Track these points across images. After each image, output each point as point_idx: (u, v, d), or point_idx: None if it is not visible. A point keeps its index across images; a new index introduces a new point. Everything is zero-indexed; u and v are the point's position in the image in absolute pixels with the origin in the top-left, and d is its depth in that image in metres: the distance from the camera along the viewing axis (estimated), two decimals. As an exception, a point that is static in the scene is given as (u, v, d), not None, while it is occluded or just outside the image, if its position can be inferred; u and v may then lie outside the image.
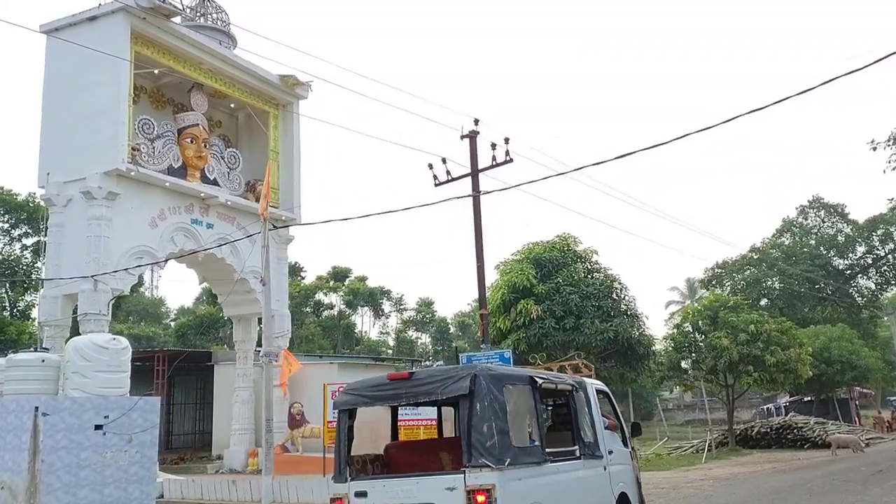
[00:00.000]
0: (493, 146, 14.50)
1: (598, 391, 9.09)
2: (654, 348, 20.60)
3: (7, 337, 32.31)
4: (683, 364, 26.19)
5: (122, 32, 19.44)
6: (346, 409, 7.58)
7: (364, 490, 6.93)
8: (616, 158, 11.53)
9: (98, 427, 11.63)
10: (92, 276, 18.25)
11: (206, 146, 22.57)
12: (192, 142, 22.14)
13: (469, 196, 14.55)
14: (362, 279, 52.24)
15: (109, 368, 12.16)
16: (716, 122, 10.11)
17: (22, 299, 35.24)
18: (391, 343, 57.51)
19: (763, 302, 51.31)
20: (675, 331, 26.51)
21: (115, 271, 18.33)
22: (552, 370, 12.68)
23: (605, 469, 8.35)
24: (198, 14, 23.22)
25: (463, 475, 6.35)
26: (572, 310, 19.31)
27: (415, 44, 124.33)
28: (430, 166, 15.07)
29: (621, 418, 9.68)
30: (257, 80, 23.66)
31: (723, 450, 26.38)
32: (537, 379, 7.53)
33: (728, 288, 49.18)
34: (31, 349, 13.64)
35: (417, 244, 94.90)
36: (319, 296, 49.95)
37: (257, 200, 24.01)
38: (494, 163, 14.56)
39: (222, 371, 25.74)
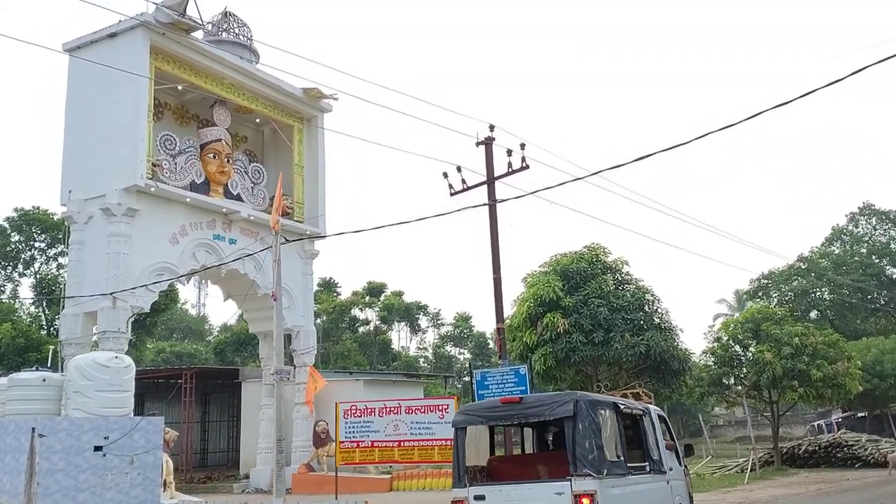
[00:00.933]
0: (509, 152, 13.92)
1: (659, 416, 10.17)
2: (689, 363, 19.60)
3: (43, 355, 32.52)
4: (725, 380, 25.06)
5: (142, 48, 19.39)
6: (462, 427, 8.64)
7: (482, 494, 7.98)
8: (635, 161, 10.87)
9: (98, 448, 11.26)
10: (111, 294, 18.09)
11: (229, 161, 22.41)
12: (214, 157, 22.01)
13: (485, 205, 13.97)
14: (399, 294, 51.81)
15: (111, 388, 11.78)
16: (738, 119, 9.37)
17: (59, 318, 35.52)
18: (430, 358, 56.89)
19: (813, 314, 49.52)
20: (716, 344, 25.40)
21: (134, 288, 18.13)
22: (616, 396, 13.23)
23: (667, 483, 9.37)
24: (220, 29, 23.14)
25: (570, 482, 7.46)
26: (601, 323, 18.50)
27: (425, 46, 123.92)
28: (445, 175, 14.54)
29: (676, 440, 10.65)
30: (280, 93, 23.46)
31: (768, 469, 25.13)
32: (620, 405, 8.76)
33: (775, 299, 47.59)
34: (34, 368, 13.36)
35: (451, 257, 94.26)
36: (355, 311, 49.66)
37: (282, 215, 23.89)
38: (510, 169, 13.97)
39: (250, 388, 25.46)
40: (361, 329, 50.52)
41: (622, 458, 8.25)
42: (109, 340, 18.00)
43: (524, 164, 13.78)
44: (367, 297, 49.62)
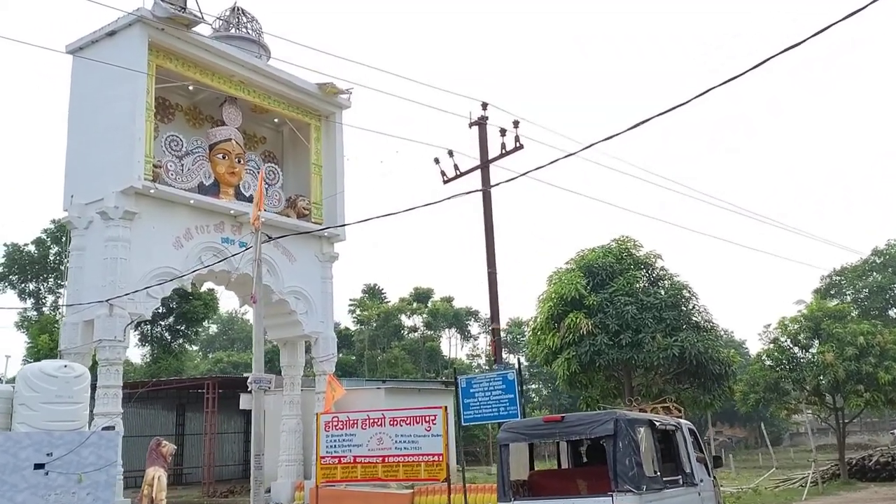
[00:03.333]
0: (503, 132, 12.43)
1: (689, 429, 10.35)
2: (733, 367, 17.56)
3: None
4: (783, 384, 22.76)
5: (140, 45, 18.67)
6: (507, 444, 8.90)
7: None
8: (630, 129, 9.31)
9: (38, 466, 10.27)
10: (107, 301, 17.29)
11: (240, 162, 21.51)
12: (224, 157, 21.14)
13: (478, 191, 12.50)
14: (448, 300, 50.51)
15: (59, 399, 10.80)
16: (744, 69, 7.72)
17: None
18: (482, 366, 55.29)
19: (892, 312, 45.98)
20: (772, 346, 23.13)
21: (129, 294, 17.28)
22: (646, 411, 12.72)
23: (699, 495, 9.60)
24: (230, 25, 22.30)
25: (611, 498, 7.80)
26: (629, 323, 16.70)
27: (410, 24, 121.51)
28: (437, 161, 13.14)
29: (706, 452, 10.94)
30: (294, 90, 22.48)
31: (833, 483, 22.71)
32: (655, 422, 9.20)
33: (849, 297, 44.33)
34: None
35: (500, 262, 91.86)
36: (402, 318, 48.57)
37: (299, 217, 22.89)
38: (503, 151, 12.48)
39: (272, 398, 24.44)
40: (411, 336, 49.41)
41: (658, 472, 8.58)
42: (106, 349, 17.22)
43: (518, 144, 12.28)
44: (415, 304, 48.48)
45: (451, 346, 53.96)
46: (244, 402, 12.82)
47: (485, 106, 12.72)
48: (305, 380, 23.79)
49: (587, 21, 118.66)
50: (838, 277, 44.73)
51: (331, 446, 12.33)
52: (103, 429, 11.71)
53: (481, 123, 12.84)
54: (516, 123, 12.22)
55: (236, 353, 57.76)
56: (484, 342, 55.55)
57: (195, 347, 69.10)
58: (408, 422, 11.76)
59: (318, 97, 23.08)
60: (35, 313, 33.92)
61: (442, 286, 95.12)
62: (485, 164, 12.67)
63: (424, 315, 48.55)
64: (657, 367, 16.92)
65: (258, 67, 21.42)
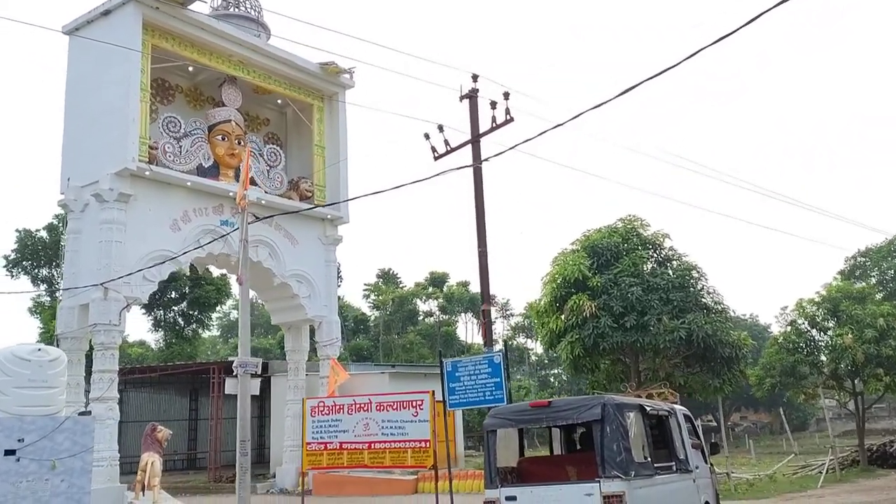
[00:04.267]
0: (493, 105, 11.88)
1: (685, 415, 10.21)
2: (744, 350, 16.86)
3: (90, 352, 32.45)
4: (800, 368, 22.02)
5: (133, 24, 18.30)
6: (493, 430, 8.77)
7: (514, 495, 8.16)
8: (618, 96, 8.74)
9: (9, 452, 9.98)
10: (102, 284, 17.03)
11: (240, 143, 21.12)
12: (223, 139, 20.78)
13: (469, 167, 11.98)
14: (464, 284, 50.04)
15: (32, 384, 10.49)
16: (737, 27, 7.11)
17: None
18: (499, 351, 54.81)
19: (921, 295, 44.73)
20: (789, 328, 22.37)
21: (124, 277, 16.98)
22: (640, 396, 13.00)
23: (694, 482, 9.48)
24: (230, 4, 21.88)
25: (598, 484, 7.65)
26: (633, 305, 16.10)
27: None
28: (427, 136, 12.62)
29: (702, 438, 10.72)
30: (295, 70, 22.01)
31: (853, 470, 21.99)
32: (646, 407, 8.96)
33: (874, 279, 43.16)
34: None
35: (518, 243, 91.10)
36: (418, 303, 48.19)
37: (301, 199, 22.49)
38: (494, 125, 11.94)
39: (278, 383, 24.25)
40: (428, 320, 49.03)
41: (649, 458, 8.43)
42: (101, 334, 16.97)
43: (508, 117, 11.72)
44: (430, 288, 48.06)
45: (467, 330, 53.57)
46: (230, 386, 12.50)
47: (475, 78, 12.17)
48: (312, 364, 23.48)
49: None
50: (863, 259, 43.56)
51: (317, 432, 11.95)
52: (79, 414, 11.38)
53: (472, 96, 12.30)
54: (506, 95, 11.66)
55: (255, 339, 57.70)
56: (501, 327, 55.11)
57: (216, 332, 69.40)
58: (394, 407, 11.34)
59: (320, 77, 22.61)
60: (48, 298, 33.94)
61: (458, 270, 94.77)
62: (475, 139, 12.14)
63: (440, 300, 48.13)
64: (663, 350, 16.32)
65: (257, 47, 20.99)
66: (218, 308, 41.62)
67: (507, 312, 54.28)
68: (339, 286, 50.82)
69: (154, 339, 42.42)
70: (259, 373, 12.93)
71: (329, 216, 22.43)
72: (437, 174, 12.07)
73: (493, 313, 54.37)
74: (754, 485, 19.17)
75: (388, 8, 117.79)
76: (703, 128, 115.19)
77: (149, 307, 37.84)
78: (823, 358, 20.85)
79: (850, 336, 19.96)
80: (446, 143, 12.47)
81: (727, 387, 16.86)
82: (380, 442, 11.33)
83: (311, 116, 23.04)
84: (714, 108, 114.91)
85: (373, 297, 48.77)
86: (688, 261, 17.48)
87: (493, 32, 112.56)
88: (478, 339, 54.09)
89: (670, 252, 17.85)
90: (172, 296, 37.26)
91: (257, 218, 14.72)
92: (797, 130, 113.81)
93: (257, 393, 12.99)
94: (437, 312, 48.90)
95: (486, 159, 11.84)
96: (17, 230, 35.32)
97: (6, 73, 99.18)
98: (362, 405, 11.64)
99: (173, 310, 37.46)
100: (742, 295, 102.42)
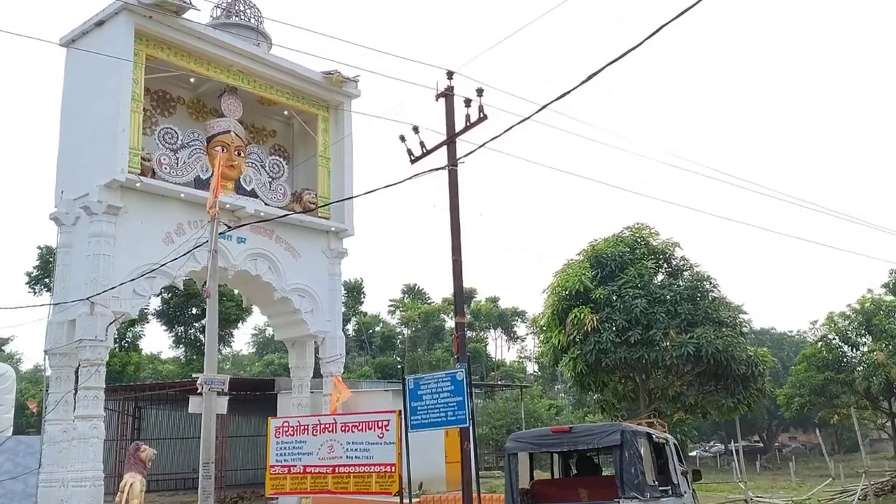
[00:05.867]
0: (468, 102, 11.05)
1: (674, 444, 10.61)
2: (760, 367, 15.58)
3: (111, 368, 32.22)
4: (833, 387, 20.57)
5: (126, 34, 17.96)
6: (515, 453, 9.25)
7: None
8: (583, 83, 7.88)
9: (-59, 475, 9.43)
10: (88, 298, 16.59)
11: (240, 154, 20.66)
12: (222, 150, 20.29)
13: (443, 168, 11.17)
14: (493, 300, 49.02)
15: (-28, 402, 9.92)
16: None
17: (130, 330, 35.51)
18: (533, 369, 53.52)
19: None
20: (820, 343, 20.95)
21: (110, 291, 16.51)
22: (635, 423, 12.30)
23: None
24: (230, 13, 21.50)
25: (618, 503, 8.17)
26: (638, 318, 15.05)
27: None
28: (403, 139, 11.85)
29: (686, 466, 11.19)
30: (298, 79, 21.52)
31: (892, 497, 20.40)
32: (651, 434, 9.54)
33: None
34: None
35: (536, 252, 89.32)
36: (445, 319, 47.31)
37: (305, 211, 21.90)
38: (468, 123, 11.12)
39: (285, 401, 23.62)
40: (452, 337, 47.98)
41: (655, 482, 8.93)
42: (87, 349, 16.48)
43: (482, 115, 10.89)
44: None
45: (496, 347, 52.45)
46: (193, 405, 11.84)
47: (450, 75, 11.38)
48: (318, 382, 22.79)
49: None
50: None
51: (280, 454, 11.17)
52: (25, 433, 10.79)
53: (447, 95, 11.50)
54: (480, 92, 10.84)
55: (281, 354, 57.43)
56: (532, 343, 53.87)
57: (250, 349, 69.43)
58: (360, 427, 10.52)
59: (324, 86, 22.07)
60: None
61: (486, 286, 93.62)
62: (450, 140, 11.33)
63: (467, 315, 47.18)
64: (670, 367, 15.20)
65: (257, 56, 20.54)
66: (253, 325, 41.31)
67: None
68: (361, 303, 50.59)
69: (174, 355, 42.31)
70: (226, 391, 12.16)
71: (333, 228, 21.81)
72: (411, 177, 11.37)
73: (523, 329, 53.38)
74: (778, 513, 17.81)
75: (385, 11, 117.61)
76: (736, 134, 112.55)
77: (169, 323, 37.79)
78: (855, 376, 19.39)
79: (882, 353, 18.53)
80: (422, 145, 11.68)
81: (742, 407, 15.63)
82: (343, 465, 10.51)
83: (316, 127, 22.50)
84: (737, 108, 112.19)
85: (399, 313, 48.16)
86: (700, 271, 16.35)
87: (487, 27, 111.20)
88: (509, 356, 53.02)
89: (682, 262, 16.74)
90: (193, 312, 37.10)
91: (229, 227, 14.14)
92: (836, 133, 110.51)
93: (224, 412, 12.26)
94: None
95: (460, 160, 11.03)
96: (38, 247, 35.53)
97: (20, 87, 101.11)
98: (327, 426, 10.84)
99: (194, 326, 37.24)
100: (779, 311, 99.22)
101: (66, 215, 17.94)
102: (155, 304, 36.51)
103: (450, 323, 48.26)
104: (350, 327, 48.68)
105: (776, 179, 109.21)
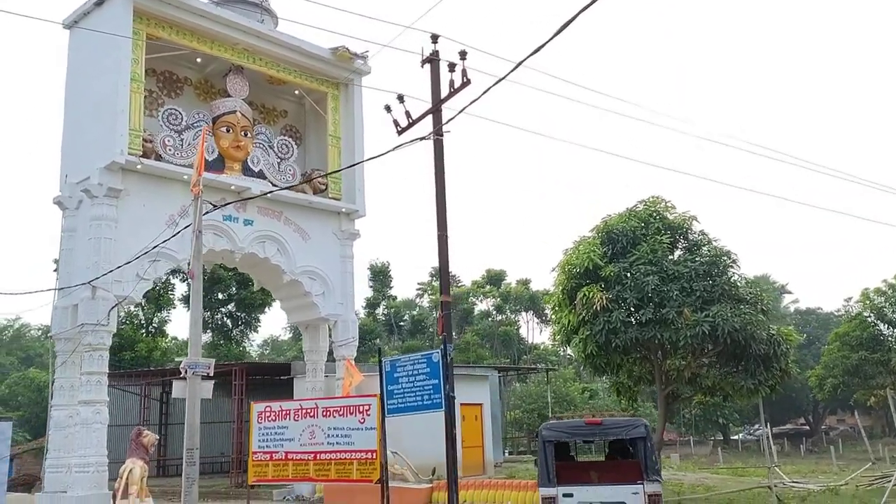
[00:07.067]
0: (451, 67, 10.36)
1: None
2: (783, 347, 14.61)
3: (137, 354, 32.51)
4: (868, 368, 19.49)
5: (124, 12, 17.61)
6: (551, 441, 10.38)
7: (571, 492, 9.87)
8: (556, 34, 7.14)
9: None
10: (90, 282, 16.37)
11: (246, 135, 20.25)
12: (228, 131, 19.93)
13: (427, 138, 10.53)
14: (524, 282, 48.24)
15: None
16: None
17: (157, 316, 35.63)
18: (568, 352, 52.59)
19: None
20: (853, 321, 19.86)
21: (110, 273, 16.25)
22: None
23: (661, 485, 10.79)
24: (234, -10, 21.01)
25: (643, 485, 9.75)
26: (650, 296, 14.25)
27: None
28: (388, 109, 11.23)
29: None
30: (305, 56, 20.98)
31: (932, 483, 19.22)
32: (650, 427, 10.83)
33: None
34: None
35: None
36: (475, 302, 46.68)
37: (315, 192, 21.46)
38: (452, 89, 10.44)
39: (300, 385, 23.27)
40: (485, 321, 47.47)
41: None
42: (89, 334, 16.27)
43: (465, 80, 10.20)
44: (487, 286, 46.49)
45: (528, 330, 51.68)
46: (177, 390, 11.46)
47: (435, 38, 10.69)
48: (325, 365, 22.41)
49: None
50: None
51: (263, 440, 10.80)
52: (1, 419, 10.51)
53: (433, 60, 10.83)
54: (463, 55, 10.13)
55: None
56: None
57: (289, 334, 69.73)
58: (340, 412, 10.08)
59: (332, 63, 21.51)
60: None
61: (516, 268, 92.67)
62: (436, 108, 10.68)
63: (497, 298, 46.49)
64: (684, 347, 14.38)
65: (262, 33, 20.05)
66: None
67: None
68: (390, 287, 50.18)
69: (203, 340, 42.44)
70: (210, 375, 11.74)
71: (344, 209, 21.33)
72: (394, 148, 10.76)
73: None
74: (806, 499, 16.89)
75: None
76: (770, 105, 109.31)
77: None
78: (891, 355, 18.30)
79: (921, 330, 17.41)
80: (407, 114, 11.06)
81: (764, 389, 14.74)
82: (325, 452, 10.08)
83: (326, 106, 21.98)
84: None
85: (427, 296, 47.70)
86: (719, 246, 15.45)
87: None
88: (540, 339, 52.21)
89: (700, 237, 15.86)
90: (219, 297, 37.10)
91: (214, 206, 13.67)
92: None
93: (209, 397, 11.84)
94: (493, 311, 47.21)
95: (445, 125, 10.37)
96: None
97: (30, 71, 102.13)
98: (309, 410, 10.42)
99: (220, 311, 37.25)
100: (817, 286, 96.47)
101: (70, 199, 17.76)
102: (181, 290, 36.57)
103: (480, 306, 47.73)
104: (380, 311, 48.43)
105: (804, 148, 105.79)
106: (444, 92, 10.67)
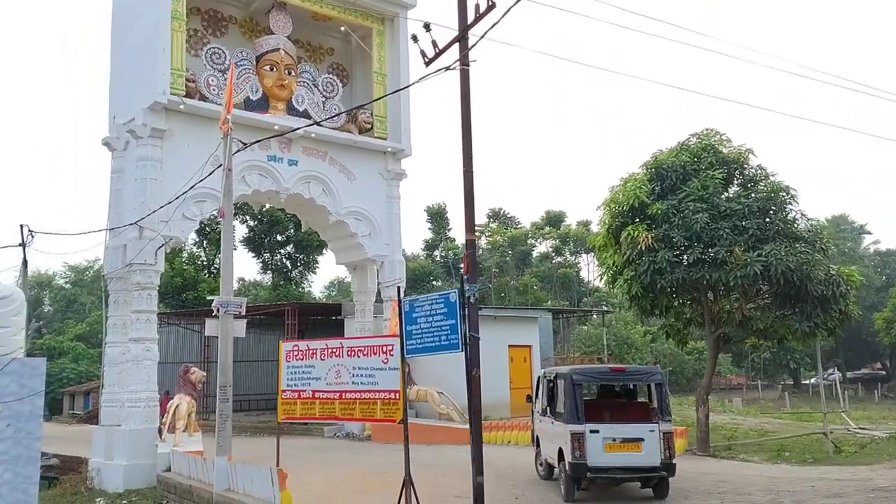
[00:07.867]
0: (478, -9, 9.78)
1: None
2: (843, 288, 13.67)
3: (199, 293, 33.29)
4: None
5: (166, -51, 17.37)
6: (580, 384, 11.27)
7: (597, 429, 10.74)
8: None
9: (-53, 395, 9.44)
10: (136, 223, 16.58)
11: (290, 73, 20.00)
12: (271, 69, 19.72)
13: (452, 68, 10.02)
14: (585, 224, 47.26)
15: (-24, 323, 9.87)
16: None
17: (218, 256, 36.27)
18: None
19: None
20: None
21: (155, 213, 16.38)
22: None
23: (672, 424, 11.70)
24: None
25: (658, 424, 10.88)
26: (699, 235, 13.52)
27: None
28: (415, 39, 10.71)
29: None
30: (347, -12, 20.44)
31: None
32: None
33: None
34: None
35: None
36: (534, 244, 46.03)
37: (360, 132, 21.17)
38: (478, 15, 9.85)
39: (350, 325, 23.40)
40: (548, 262, 46.88)
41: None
42: (137, 274, 16.55)
43: (490, 3, 9.60)
44: (547, 228, 45.75)
45: (588, 272, 50.87)
46: (210, 328, 11.56)
47: (462, -38, 10.08)
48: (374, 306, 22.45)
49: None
50: None
51: (291, 379, 10.75)
52: (33, 355, 10.71)
53: (460, -15, 10.23)
54: (488, -23, 9.52)
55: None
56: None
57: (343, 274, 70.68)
58: (364, 352, 9.90)
59: (376, -4, 20.93)
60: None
61: (577, 209, 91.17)
62: (462, 36, 10.12)
63: (556, 240, 45.73)
64: (734, 287, 13.67)
65: (303, -35, 19.59)
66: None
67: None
68: (449, 229, 49.82)
69: (265, 280, 43.25)
70: (243, 314, 11.74)
71: (389, 149, 21.02)
72: (419, 80, 10.31)
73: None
74: (866, 446, 16.18)
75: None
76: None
77: (256, 250, 38.41)
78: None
79: None
80: (434, 44, 10.55)
81: (822, 332, 13.97)
82: (349, 391, 9.96)
83: (371, 42, 21.50)
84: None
85: (485, 238, 47.31)
86: (777, 181, 14.53)
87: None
88: (599, 283, 51.34)
89: (757, 171, 14.94)
90: (278, 238, 37.54)
91: (245, 145, 13.46)
92: None
93: (242, 335, 11.88)
94: (552, 253, 46.49)
95: (469, 54, 9.84)
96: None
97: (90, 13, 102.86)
98: (334, 350, 10.29)
99: (279, 252, 37.72)
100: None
101: (118, 140, 17.93)
102: (241, 231, 37.13)
103: (540, 248, 47.10)
104: (437, 253, 48.29)
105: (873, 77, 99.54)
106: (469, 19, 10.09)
